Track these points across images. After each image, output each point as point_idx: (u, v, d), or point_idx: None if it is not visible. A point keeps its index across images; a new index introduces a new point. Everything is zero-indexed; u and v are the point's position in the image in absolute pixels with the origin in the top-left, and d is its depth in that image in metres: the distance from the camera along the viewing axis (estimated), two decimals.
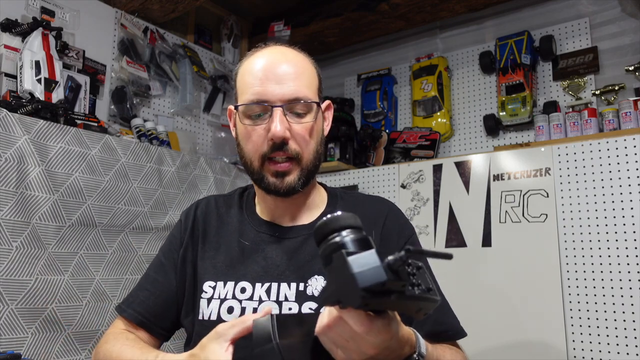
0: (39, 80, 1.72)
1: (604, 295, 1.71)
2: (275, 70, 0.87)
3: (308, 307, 0.85)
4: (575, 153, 1.85)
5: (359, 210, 0.96)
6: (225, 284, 0.90)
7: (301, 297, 0.86)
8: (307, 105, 0.88)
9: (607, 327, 1.68)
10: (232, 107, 0.95)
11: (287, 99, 0.86)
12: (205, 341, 0.71)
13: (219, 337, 0.69)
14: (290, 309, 0.85)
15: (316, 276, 0.87)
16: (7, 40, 1.75)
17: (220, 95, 2.67)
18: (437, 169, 2.16)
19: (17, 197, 1.50)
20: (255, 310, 0.86)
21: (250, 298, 0.87)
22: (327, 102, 0.99)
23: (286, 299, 0.86)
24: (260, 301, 0.86)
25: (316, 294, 0.86)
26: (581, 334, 1.73)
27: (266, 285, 0.88)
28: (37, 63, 1.73)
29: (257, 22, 2.96)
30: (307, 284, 0.87)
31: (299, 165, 0.88)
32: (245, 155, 0.91)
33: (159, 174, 1.99)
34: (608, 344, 1.67)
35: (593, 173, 1.80)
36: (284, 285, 0.87)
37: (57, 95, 1.77)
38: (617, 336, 1.66)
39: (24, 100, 1.66)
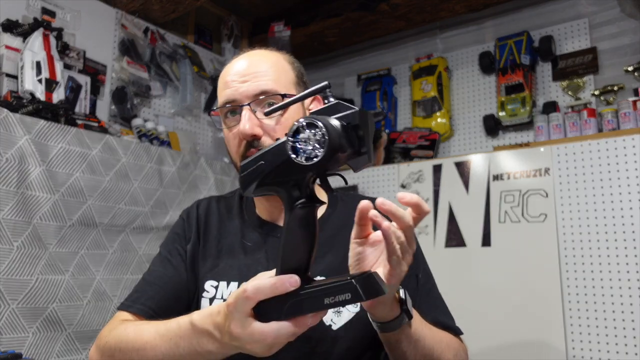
0: (39, 81, 1.73)
1: (603, 295, 1.71)
2: (240, 71, 0.89)
3: None
4: (574, 153, 1.85)
5: None
6: (228, 284, 0.90)
7: None
8: (276, 98, 0.87)
9: (606, 327, 1.69)
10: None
11: (253, 95, 0.86)
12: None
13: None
14: None
15: (318, 277, 0.88)
16: (8, 40, 1.75)
17: None
18: (437, 169, 2.17)
19: (18, 197, 1.51)
20: None
21: None
22: (314, 95, 0.98)
23: None
24: None
25: None
26: (580, 333, 1.73)
27: None
28: (38, 63, 1.74)
29: (257, 22, 2.97)
30: None
31: None
32: (232, 160, 0.93)
33: (160, 174, 1.99)
34: (607, 343, 1.68)
35: (592, 173, 1.80)
36: None
37: (58, 95, 1.77)
38: (616, 336, 1.66)
39: (24, 101, 1.67)
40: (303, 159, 0.57)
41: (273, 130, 0.87)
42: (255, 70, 0.88)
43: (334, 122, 0.57)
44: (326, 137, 0.55)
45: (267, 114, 0.66)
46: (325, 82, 0.59)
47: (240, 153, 0.88)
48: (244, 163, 0.63)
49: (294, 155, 0.57)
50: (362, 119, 0.57)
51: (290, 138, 0.58)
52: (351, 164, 0.59)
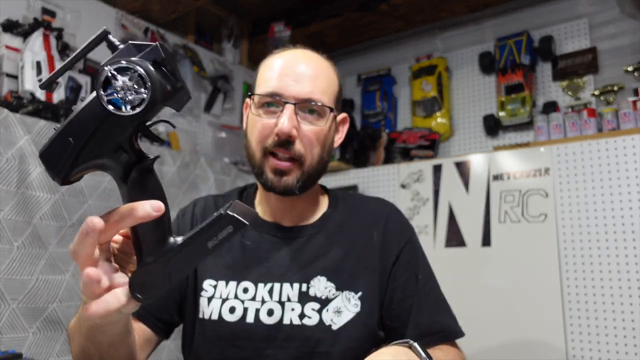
0: (40, 81, 1.73)
1: (603, 295, 1.71)
2: (294, 69, 0.88)
3: (311, 307, 0.85)
4: (574, 153, 1.85)
5: (359, 212, 0.98)
6: (227, 284, 0.90)
7: (304, 298, 0.86)
8: (321, 109, 0.87)
9: (606, 327, 1.69)
10: (248, 99, 0.96)
11: (301, 98, 0.86)
12: None
13: None
14: (292, 309, 0.86)
15: (319, 277, 0.88)
16: (9, 40, 1.76)
17: (221, 95, 2.68)
18: (437, 169, 2.17)
19: (19, 197, 1.51)
20: (257, 310, 0.86)
21: (253, 298, 0.87)
22: (344, 115, 0.98)
23: (289, 300, 0.86)
24: (263, 302, 0.87)
25: (318, 294, 0.86)
26: (580, 333, 1.73)
27: (269, 285, 0.88)
28: (38, 63, 1.74)
29: (257, 22, 2.97)
30: (309, 285, 0.87)
31: (301, 167, 0.87)
32: (249, 146, 0.90)
33: (160, 174, 1.99)
34: (607, 343, 1.68)
35: (592, 173, 1.80)
36: (286, 286, 0.87)
37: (58, 95, 1.78)
38: (616, 336, 1.67)
39: (25, 101, 1.67)
40: (129, 108, 0.49)
41: (308, 138, 0.86)
42: (311, 74, 0.88)
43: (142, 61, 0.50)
44: (145, 75, 0.48)
45: (43, 86, 0.57)
46: (104, 28, 0.52)
47: (266, 145, 0.86)
48: (43, 151, 0.53)
49: (114, 109, 0.49)
50: (165, 53, 0.51)
51: (102, 92, 0.48)
52: (173, 105, 0.53)
